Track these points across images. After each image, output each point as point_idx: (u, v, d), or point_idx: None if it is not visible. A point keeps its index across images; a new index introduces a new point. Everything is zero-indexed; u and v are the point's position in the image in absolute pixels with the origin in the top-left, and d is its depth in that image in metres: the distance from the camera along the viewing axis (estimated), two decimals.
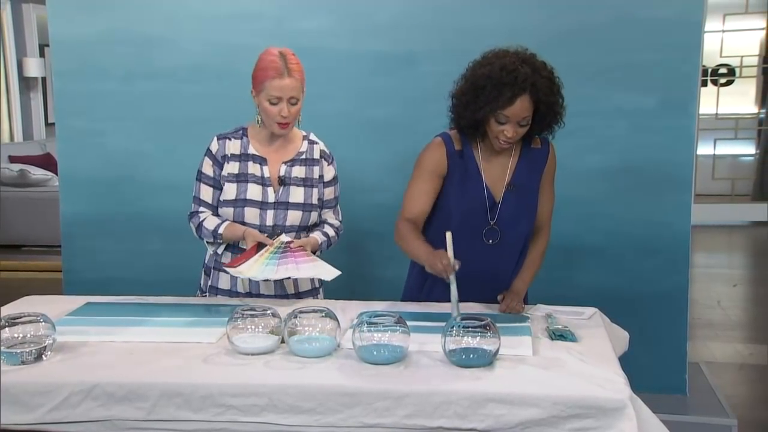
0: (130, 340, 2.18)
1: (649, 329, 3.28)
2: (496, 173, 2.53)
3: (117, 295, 2.70)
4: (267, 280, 2.53)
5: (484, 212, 2.51)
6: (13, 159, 7.92)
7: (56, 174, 4.75)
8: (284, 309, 2.20)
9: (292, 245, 2.52)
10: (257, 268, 2.47)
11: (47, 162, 7.92)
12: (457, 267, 2.24)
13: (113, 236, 3.63)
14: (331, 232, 2.70)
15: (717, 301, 5.62)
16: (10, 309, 2.36)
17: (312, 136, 2.72)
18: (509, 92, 2.35)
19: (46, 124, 9.57)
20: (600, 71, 3.29)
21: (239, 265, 2.50)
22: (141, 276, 3.56)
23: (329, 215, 2.74)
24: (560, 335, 2.19)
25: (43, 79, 9.49)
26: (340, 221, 2.77)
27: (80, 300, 2.59)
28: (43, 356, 2.02)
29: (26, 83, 9.51)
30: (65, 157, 3.64)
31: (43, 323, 2.06)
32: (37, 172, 7.45)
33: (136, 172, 3.57)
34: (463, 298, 2.49)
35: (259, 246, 2.52)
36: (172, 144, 3.50)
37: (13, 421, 1.89)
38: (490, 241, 2.52)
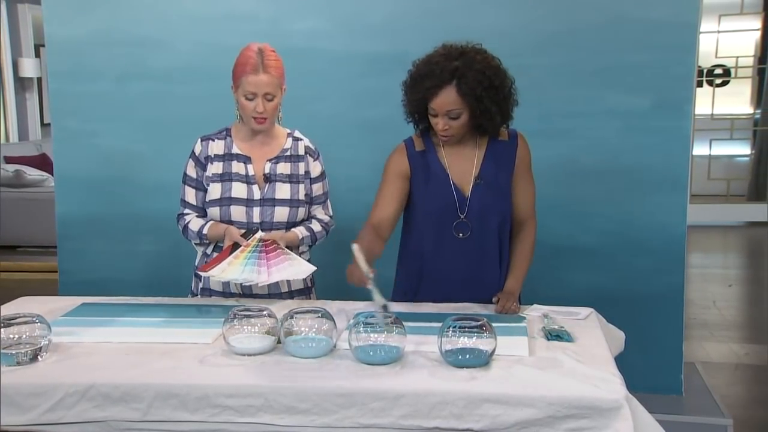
0: (125, 341, 2.18)
1: (645, 329, 3.28)
2: (463, 168, 2.54)
3: (112, 295, 2.70)
4: (249, 284, 2.52)
5: (454, 208, 2.52)
6: (8, 159, 7.90)
7: (52, 174, 4.75)
8: (280, 309, 2.20)
9: (263, 237, 2.51)
10: (234, 269, 2.45)
11: (43, 162, 7.91)
12: (371, 275, 2.17)
13: (109, 237, 3.62)
14: (317, 227, 2.69)
15: (712, 302, 5.63)
16: (5, 310, 2.35)
17: (296, 133, 2.72)
18: (430, 83, 2.40)
19: (42, 124, 9.56)
20: (595, 72, 3.30)
21: (211, 269, 2.48)
22: (136, 277, 3.56)
23: (318, 211, 2.73)
24: (556, 335, 2.19)
25: (39, 79, 9.47)
26: (330, 216, 2.76)
27: (76, 301, 2.59)
28: (38, 357, 2.02)
29: (21, 83, 9.49)
30: (61, 157, 3.63)
31: (39, 324, 2.06)
32: (32, 173, 7.44)
33: (132, 173, 3.56)
34: (446, 297, 2.50)
35: (235, 246, 2.51)
36: (167, 145, 3.49)
37: (8, 423, 1.88)
38: (461, 234, 2.52)
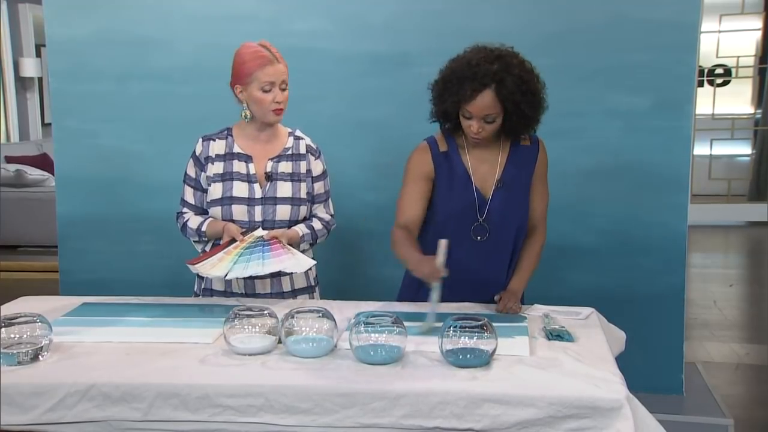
0: (126, 341, 2.18)
1: (646, 329, 3.29)
2: (485, 171, 2.54)
3: (113, 295, 2.70)
4: (237, 278, 2.51)
5: (473, 210, 2.52)
6: (9, 159, 7.90)
7: (53, 174, 4.75)
8: (281, 309, 2.20)
9: (265, 236, 2.52)
10: (223, 266, 2.45)
11: (44, 162, 7.91)
12: (444, 274, 2.23)
13: (109, 237, 3.63)
14: (318, 225, 2.69)
15: (713, 301, 5.63)
16: (6, 309, 2.35)
17: (298, 132, 2.73)
18: (470, 87, 2.37)
19: (43, 124, 9.56)
20: (596, 72, 3.30)
21: (200, 262, 2.49)
22: (137, 277, 3.56)
23: (319, 209, 2.74)
24: (557, 335, 2.19)
25: (40, 79, 9.47)
26: (332, 215, 2.76)
27: (76, 300, 2.59)
28: (39, 357, 2.02)
29: (22, 83, 9.49)
30: (62, 157, 3.63)
31: (40, 324, 2.06)
32: (33, 173, 7.44)
33: (132, 173, 3.57)
34: (456, 297, 2.50)
35: (231, 242, 2.52)
36: (167, 145, 3.50)
37: (9, 422, 1.88)
38: (479, 237, 2.52)
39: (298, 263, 2.51)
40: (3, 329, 2.01)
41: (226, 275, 2.46)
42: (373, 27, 3.39)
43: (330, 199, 2.77)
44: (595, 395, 1.81)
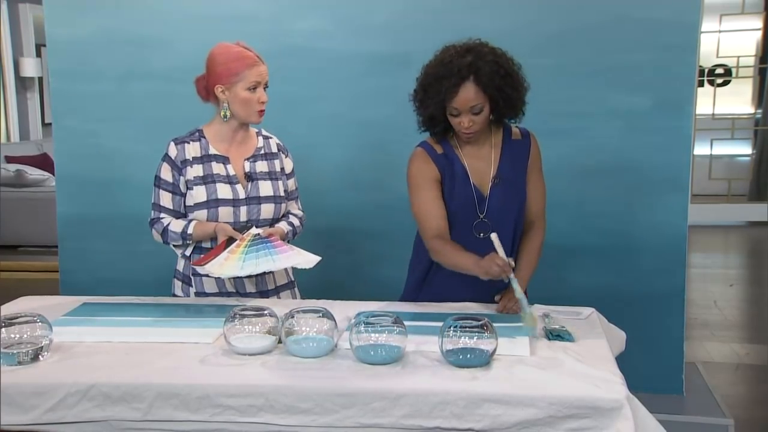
0: (126, 341, 2.18)
1: (646, 329, 3.29)
2: (481, 168, 2.54)
3: (113, 295, 2.70)
4: (250, 276, 2.52)
5: (473, 208, 2.52)
6: (9, 159, 7.91)
7: (53, 174, 4.76)
8: (281, 309, 2.19)
9: (262, 234, 2.53)
10: (233, 265, 2.46)
11: (44, 162, 7.91)
12: (513, 264, 2.28)
13: (110, 237, 3.63)
14: (295, 222, 2.74)
15: (713, 301, 5.63)
16: (6, 309, 2.35)
17: (264, 132, 2.75)
18: (449, 83, 2.39)
19: (43, 124, 9.57)
20: (596, 72, 3.30)
21: (207, 263, 2.49)
22: (137, 277, 3.56)
23: (292, 206, 2.78)
24: (557, 335, 2.19)
25: (40, 79, 9.48)
26: (303, 211, 2.82)
27: (77, 300, 2.59)
28: (39, 357, 2.02)
29: (23, 83, 9.50)
30: (62, 157, 3.64)
31: (40, 323, 2.06)
32: (33, 173, 7.45)
33: (133, 173, 3.57)
34: (459, 296, 2.50)
35: (229, 241, 2.52)
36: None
37: (9, 422, 1.88)
38: (481, 234, 2.52)
39: (307, 259, 2.53)
40: (3, 329, 2.01)
41: (239, 273, 2.46)
42: (373, 27, 3.39)
43: (299, 196, 2.82)
44: (595, 395, 1.81)
